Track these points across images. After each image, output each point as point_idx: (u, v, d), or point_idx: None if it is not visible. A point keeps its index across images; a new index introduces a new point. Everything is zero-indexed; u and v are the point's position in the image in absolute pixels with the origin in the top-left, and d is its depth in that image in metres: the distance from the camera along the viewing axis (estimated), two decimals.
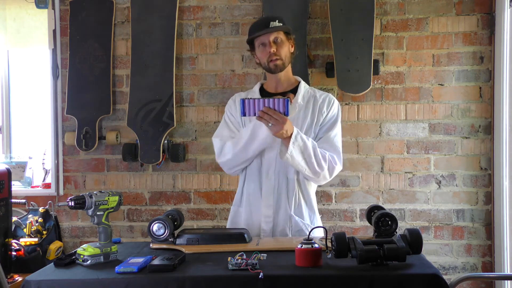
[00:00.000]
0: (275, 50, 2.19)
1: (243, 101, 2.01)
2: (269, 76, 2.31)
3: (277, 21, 2.21)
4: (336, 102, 2.30)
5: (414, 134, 3.21)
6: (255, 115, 2.02)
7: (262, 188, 2.23)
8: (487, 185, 3.18)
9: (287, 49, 2.23)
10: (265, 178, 2.22)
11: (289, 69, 2.29)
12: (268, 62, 2.22)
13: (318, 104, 2.26)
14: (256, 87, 2.35)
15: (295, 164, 2.13)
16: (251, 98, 2.04)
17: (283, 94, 2.25)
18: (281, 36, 2.21)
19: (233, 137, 2.25)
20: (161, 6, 3.24)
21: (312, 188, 2.31)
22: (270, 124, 2.03)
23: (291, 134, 2.07)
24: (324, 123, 2.25)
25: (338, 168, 2.22)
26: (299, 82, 2.32)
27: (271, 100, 2.01)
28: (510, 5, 2.94)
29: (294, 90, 2.29)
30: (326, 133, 2.24)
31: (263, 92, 2.31)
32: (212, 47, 3.30)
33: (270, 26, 2.19)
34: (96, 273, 1.66)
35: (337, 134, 2.26)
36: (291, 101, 2.07)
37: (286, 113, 2.01)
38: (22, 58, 3.57)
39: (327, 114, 2.26)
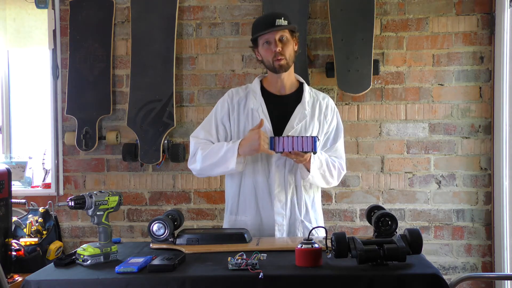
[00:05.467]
0: (280, 49, 2.16)
1: (272, 138, 2.10)
2: (271, 75, 2.26)
3: (282, 18, 2.16)
4: (336, 108, 2.34)
5: (414, 134, 3.21)
6: (283, 150, 2.08)
7: (272, 197, 2.22)
8: (487, 185, 3.18)
9: (291, 48, 2.21)
10: (276, 188, 2.21)
11: (291, 69, 2.27)
12: (273, 62, 2.19)
13: (323, 111, 2.28)
14: (256, 85, 2.29)
15: (315, 182, 2.23)
16: (280, 136, 2.11)
17: (288, 97, 2.26)
18: (287, 34, 2.18)
19: (209, 140, 2.25)
20: (161, 6, 3.24)
21: (318, 192, 2.35)
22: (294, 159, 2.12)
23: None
24: (329, 131, 2.30)
25: (344, 173, 2.32)
26: (302, 84, 2.31)
27: (299, 137, 2.07)
28: (510, 5, 2.94)
29: (298, 92, 2.29)
30: (334, 143, 2.30)
31: (264, 93, 2.27)
32: (212, 47, 3.29)
33: (276, 24, 2.15)
34: (96, 273, 1.66)
35: (342, 143, 2.34)
36: (318, 139, 2.15)
37: (314, 149, 2.06)
38: (22, 58, 3.57)
39: (331, 121, 2.30)
